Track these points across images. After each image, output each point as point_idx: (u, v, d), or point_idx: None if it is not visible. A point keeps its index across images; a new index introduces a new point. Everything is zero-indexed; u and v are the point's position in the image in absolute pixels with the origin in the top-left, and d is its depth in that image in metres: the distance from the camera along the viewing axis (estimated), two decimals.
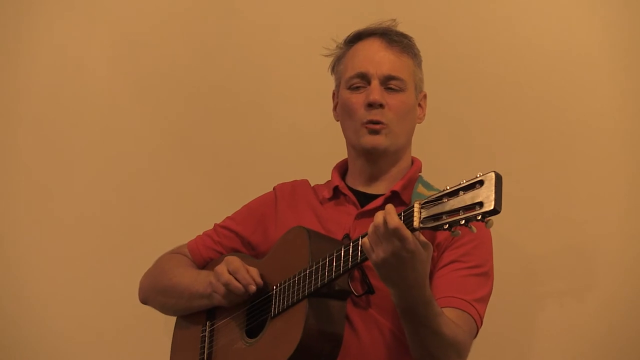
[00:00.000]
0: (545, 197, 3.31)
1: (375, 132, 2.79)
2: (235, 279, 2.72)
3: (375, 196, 2.85)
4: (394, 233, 2.36)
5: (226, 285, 2.72)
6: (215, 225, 3.03)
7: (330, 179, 2.96)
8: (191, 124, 3.61)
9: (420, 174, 2.87)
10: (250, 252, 2.95)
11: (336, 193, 2.89)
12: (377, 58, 2.81)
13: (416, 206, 2.36)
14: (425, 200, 2.36)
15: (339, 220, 2.82)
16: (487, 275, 2.74)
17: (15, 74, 3.66)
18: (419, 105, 2.87)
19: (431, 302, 2.49)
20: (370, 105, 2.78)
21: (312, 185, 2.99)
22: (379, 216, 2.40)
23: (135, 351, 3.53)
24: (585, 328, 3.24)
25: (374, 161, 2.84)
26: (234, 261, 2.74)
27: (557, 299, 3.25)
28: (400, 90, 2.80)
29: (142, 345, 3.49)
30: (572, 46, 3.33)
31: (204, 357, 2.85)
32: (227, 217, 3.03)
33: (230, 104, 3.60)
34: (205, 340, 2.87)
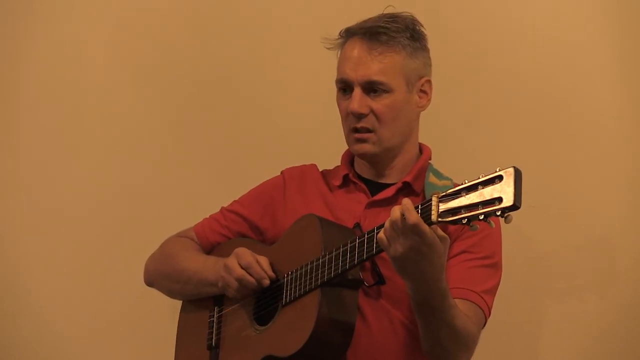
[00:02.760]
0: (557, 191, 3.33)
1: (361, 141, 2.78)
2: (249, 273, 2.72)
3: (385, 185, 2.84)
4: (413, 229, 2.36)
5: (239, 280, 2.72)
6: (223, 208, 3.01)
7: (338, 164, 2.95)
8: (191, 115, 3.60)
9: (430, 161, 2.87)
10: (258, 237, 2.94)
11: (346, 181, 2.88)
12: (357, 62, 2.75)
13: (434, 199, 2.36)
14: (443, 194, 2.36)
15: (349, 209, 2.81)
16: (496, 266, 2.75)
17: (12, 68, 3.63)
18: (422, 91, 2.80)
19: (447, 295, 2.49)
20: (352, 114, 2.76)
21: (320, 171, 2.97)
22: (396, 211, 2.39)
23: (141, 341, 3.55)
24: (594, 326, 3.28)
25: (371, 162, 2.84)
26: (245, 255, 2.73)
27: (567, 295, 3.28)
28: (384, 92, 2.74)
29: (148, 336, 3.51)
30: (581, 40, 3.36)
31: (212, 343, 2.85)
32: (235, 201, 3.01)
33: (231, 93, 3.58)
34: (213, 326, 2.87)
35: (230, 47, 3.58)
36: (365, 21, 2.81)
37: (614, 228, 3.26)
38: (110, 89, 3.61)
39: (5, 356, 3.54)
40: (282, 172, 3.00)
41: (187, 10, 3.60)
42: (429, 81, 2.82)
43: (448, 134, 3.39)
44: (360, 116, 2.75)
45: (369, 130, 2.76)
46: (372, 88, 2.75)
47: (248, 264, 2.72)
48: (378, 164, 2.84)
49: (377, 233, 2.49)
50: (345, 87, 2.79)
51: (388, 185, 2.83)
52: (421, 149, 2.90)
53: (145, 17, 3.61)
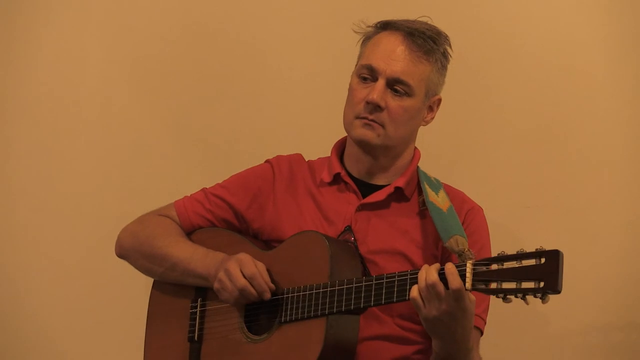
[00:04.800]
0: (553, 192, 3.36)
1: (368, 126, 2.74)
2: (251, 284, 2.67)
3: (376, 187, 2.82)
4: (454, 294, 2.39)
5: (241, 290, 2.68)
6: (206, 190, 2.92)
7: (325, 154, 2.91)
8: (190, 114, 3.54)
9: (417, 164, 2.87)
10: (242, 225, 2.88)
11: (337, 179, 2.84)
12: (392, 57, 2.72)
13: (469, 266, 2.39)
14: (478, 262, 2.37)
15: (340, 210, 2.79)
16: None
17: (12, 68, 3.51)
18: (430, 107, 2.80)
19: (470, 349, 2.56)
20: (369, 104, 2.72)
21: (306, 161, 2.92)
22: (433, 274, 2.40)
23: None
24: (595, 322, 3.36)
25: (366, 153, 2.81)
26: (248, 264, 2.68)
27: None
28: (405, 94, 2.73)
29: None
30: (574, 43, 3.36)
31: (194, 336, 2.82)
32: (219, 185, 2.93)
33: (226, 90, 3.52)
34: (196, 319, 2.82)
35: (226, 47, 3.51)
36: (409, 21, 2.77)
37: (613, 227, 3.33)
38: (107, 84, 3.55)
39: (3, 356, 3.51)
40: (269, 161, 2.93)
41: (184, 11, 3.52)
42: (440, 100, 2.82)
43: (446, 134, 3.37)
44: (376, 108, 2.72)
45: (377, 124, 2.74)
46: (395, 86, 2.72)
47: (252, 275, 2.67)
48: (371, 160, 2.81)
49: (398, 279, 2.50)
50: (367, 76, 2.74)
51: (378, 187, 2.82)
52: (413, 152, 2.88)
53: (142, 16, 3.52)
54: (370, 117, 2.72)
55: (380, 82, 2.71)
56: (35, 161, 3.54)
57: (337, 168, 2.83)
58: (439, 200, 2.77)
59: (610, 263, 3.32)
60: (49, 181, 3.53)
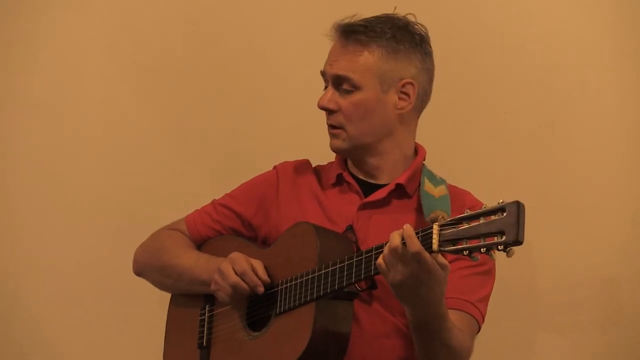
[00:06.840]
0: (555, 192, 3.34)
1: (333, 136, 2.79)
2: (243, 280, 2.70)
3: (378, 186, 2.82)
4: (414, 257, 2.36)
5: (233, 287, 2.71)
6: (215, 202, 2.98)
7: (332, 160, 2.93)
8: (191, 116, 3.59)
9: (424, 162, 2.86)
10: (251, 233, 2.92)
11: (339, 180, 2.86)
12: (332, 58, 2.76)
13: (435, 228, 2.36)
14: (444, 223, 2.35)
15: (342, 210, 2.80)
16: (489, 273, 2.75)
17: (12, 68, 3.60)
18: (403, 93, 2.75)
19: (445, 318, 2.50)
20: (323, 110, 2.78)
21: (313, 166, 2.95)
22: (396, 237, 2.38)
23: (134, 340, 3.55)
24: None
25: (351, 159, 2.84)
26: (240, 261, 2.72)
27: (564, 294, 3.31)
28: (352, 90, 2.74)
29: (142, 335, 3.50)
30: (575, 43, 3.35)
31: (202, 343, 2.85)
32: (227, 195, 2.98)
33: (229, 92, 3.57)
34: (204, 325, 2.86)
35: (226, 46, 3.57)
36: (346, 19, 2.79)
37: (614, 227, 3.28)
38: (109, 89, 3.60)
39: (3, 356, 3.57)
40: (275, 167, 2.97)
41: (186, 13, 3.60)
42: (411, 83, 2.76)
43: (446, 134, 3.39)
44: (329, 112, 2.76)
45: (337, 127, 2.77)
46: (341, 85, 2.74)
47: (243, 271, 2.71)
48: (360, 163, 2.82)
49: (375, 252, 2.49)
50: (325, 84, 2.79)
51: (380, 186, 2.82)
52: (416, 149, 2.87)
53: (144, 18, 3.60)
54: (330, 122, 2.77)
55: (329, 87, 2.77)
56: (35, 162, 3.59)
57: (340, 169, 2.86)
58: (435, 190, 2.77)
59: (610, 263, 3.24)
60: (49, 182, 3.58)
